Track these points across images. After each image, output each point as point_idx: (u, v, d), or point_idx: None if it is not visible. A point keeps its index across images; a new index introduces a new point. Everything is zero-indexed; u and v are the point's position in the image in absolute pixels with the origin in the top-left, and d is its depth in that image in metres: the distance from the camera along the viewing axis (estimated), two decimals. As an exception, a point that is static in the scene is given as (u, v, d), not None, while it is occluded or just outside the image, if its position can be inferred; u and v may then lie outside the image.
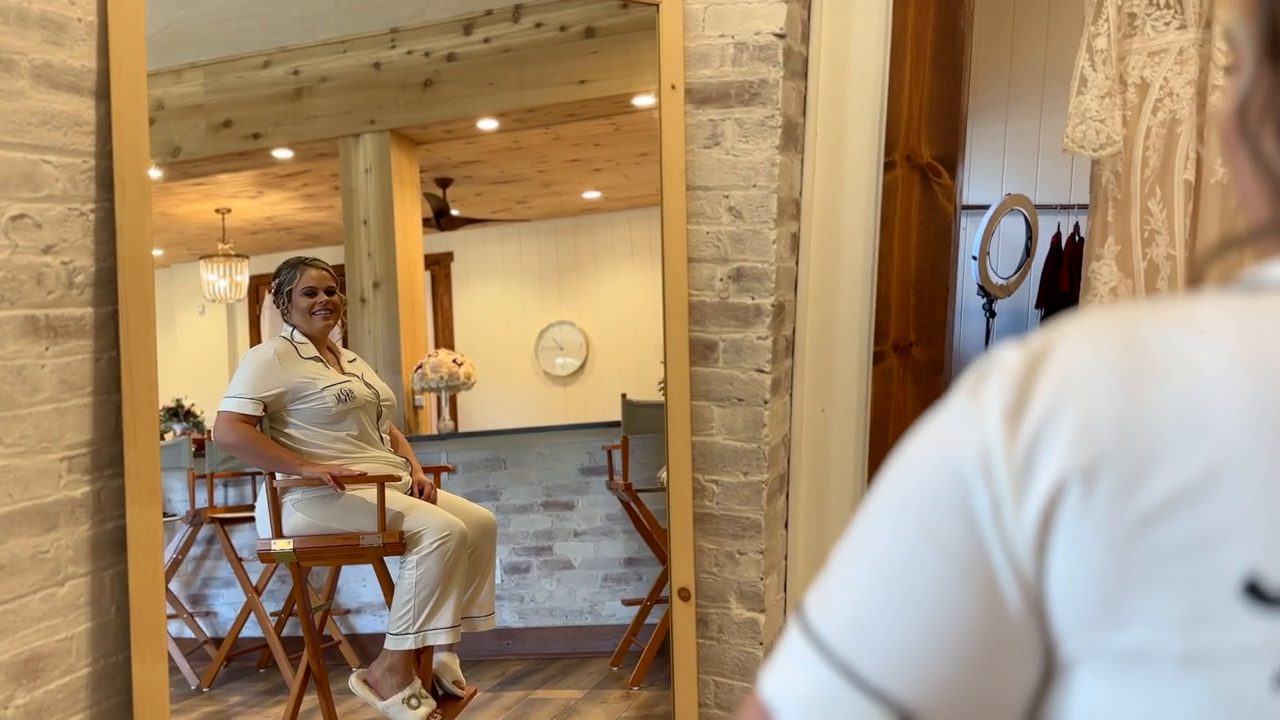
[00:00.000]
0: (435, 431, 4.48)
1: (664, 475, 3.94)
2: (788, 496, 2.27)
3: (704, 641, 2.22)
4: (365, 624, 4.50)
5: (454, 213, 6.73)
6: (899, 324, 2.21)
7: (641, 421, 3.86)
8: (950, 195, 2.17)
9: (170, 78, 4.98)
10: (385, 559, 3.03)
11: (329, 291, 3.13)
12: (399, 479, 3.05)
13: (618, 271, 8.03)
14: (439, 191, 6.53)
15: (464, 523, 2.97)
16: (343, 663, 4.34)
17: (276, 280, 3.14)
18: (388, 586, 3.03)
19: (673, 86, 2.10)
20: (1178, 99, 2.10)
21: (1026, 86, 4.81)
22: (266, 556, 3.00)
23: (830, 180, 2.20)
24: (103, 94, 1.79)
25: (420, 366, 4.50)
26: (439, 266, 7.20)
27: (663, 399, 4.15)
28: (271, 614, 4.30)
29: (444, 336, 6.26)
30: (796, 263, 2.23)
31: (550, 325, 8.14)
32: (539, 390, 8.04)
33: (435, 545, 2.88)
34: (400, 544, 2.91)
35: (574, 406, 7.83)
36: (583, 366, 8.05)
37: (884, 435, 2.22)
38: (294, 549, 2.94)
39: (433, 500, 3.12)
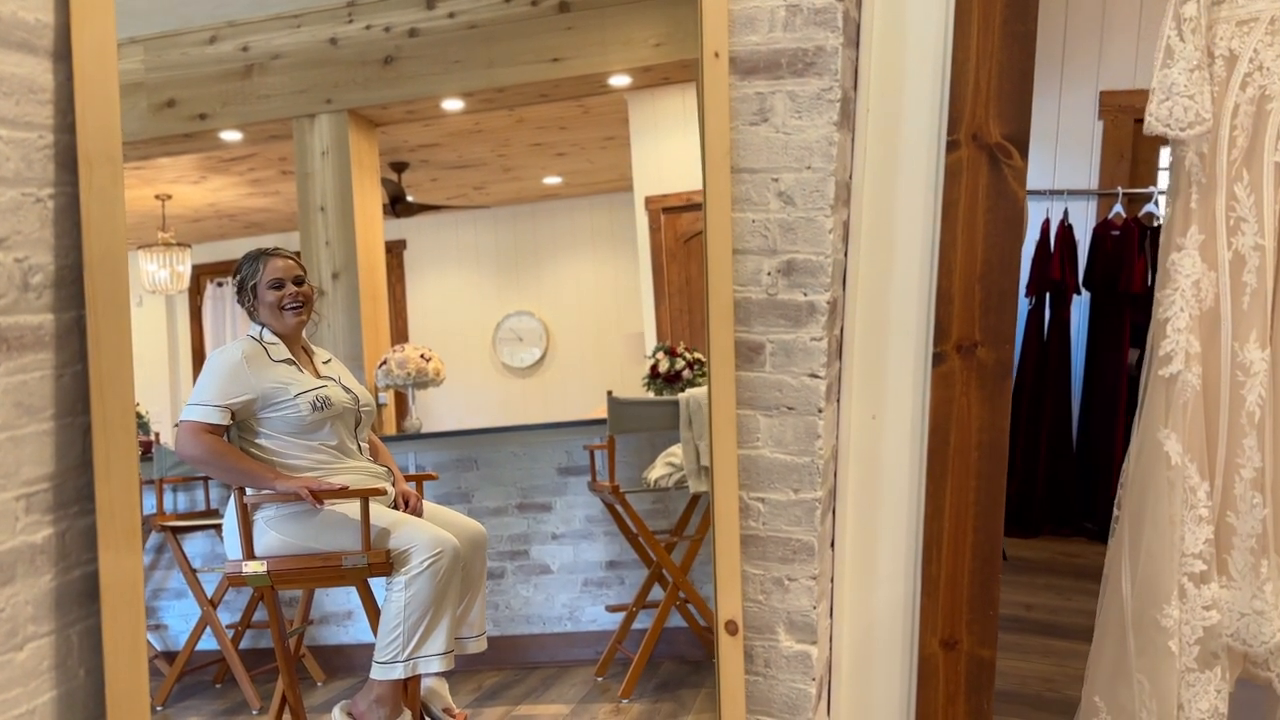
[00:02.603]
0: (400, 431, 4.16)
1: (650, 476, 3.69)
2: (834, 514, 2.03)
3: (749, 678, 1.98)
4: (330, 635, 4.18)
5: (409, 199, 6.37)
6: (963, 322, 1.99)
7: (629, 420, 3.60)
8: (1021, 179, 1.95)
9: (106, 53, 4.57)
10: (370, 580, 2.73)
11: (297, 282, 2.80)
12: (383, 492, 2.75)
13: (578, 260, 7.72)
14: (394, 176, 6.17)
15: (455, 537, 2.68)
16: (306, 676, 4.02)
17: (238, 276, 2.81)
18: (373, 610, 2.73)
19: (716, 54, 1.84)
20: (1268, 73, 1.91)
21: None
22: (237, 580, 2.67)
23: (885, 162, 1.96)
24: (62, 54, 1.46)
25: (384, 362, 4.18)
26: (391, 255, 6.81)
27: (651, 395, 3.91)
28: (228, 626, 3.96)
29: (396, 328, 5.89)
30: (845, 254, 1.99)
31: (509, 315, 7.79)
32: (498, 384, 7.71)
33: (426, 564, 2.59)
34: (387, 564, 2.61)
35: (534, 400, 7.53)
36: (543, 358, 7.74)
37: (944, 445, 2.00)
38: (268, 571, 2.63)
39: (418, 513, 2.83)
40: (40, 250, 1.45)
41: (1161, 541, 1.97)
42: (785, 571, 1.95)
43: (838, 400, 2.01)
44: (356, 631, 4.15)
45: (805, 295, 1.92)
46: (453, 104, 4.48)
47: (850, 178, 1.96)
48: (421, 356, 4.23)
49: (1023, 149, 1.93)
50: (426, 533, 2.63)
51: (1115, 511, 2.08)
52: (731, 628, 1.86)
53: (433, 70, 4.35)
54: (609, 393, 3.55)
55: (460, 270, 7.72)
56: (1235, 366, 1.93)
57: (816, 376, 1.94)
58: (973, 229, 1.96)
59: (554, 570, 4.11)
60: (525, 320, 7.68)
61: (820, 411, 1.95)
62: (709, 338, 1.87)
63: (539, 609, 4.10)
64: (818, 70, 1.85)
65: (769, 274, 1.92)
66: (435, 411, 4.39)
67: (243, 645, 4.13)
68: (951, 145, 1.94)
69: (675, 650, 3.87)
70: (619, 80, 4.35)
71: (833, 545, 2.03)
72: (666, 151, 5.03)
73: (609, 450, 3.53)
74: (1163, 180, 4.85)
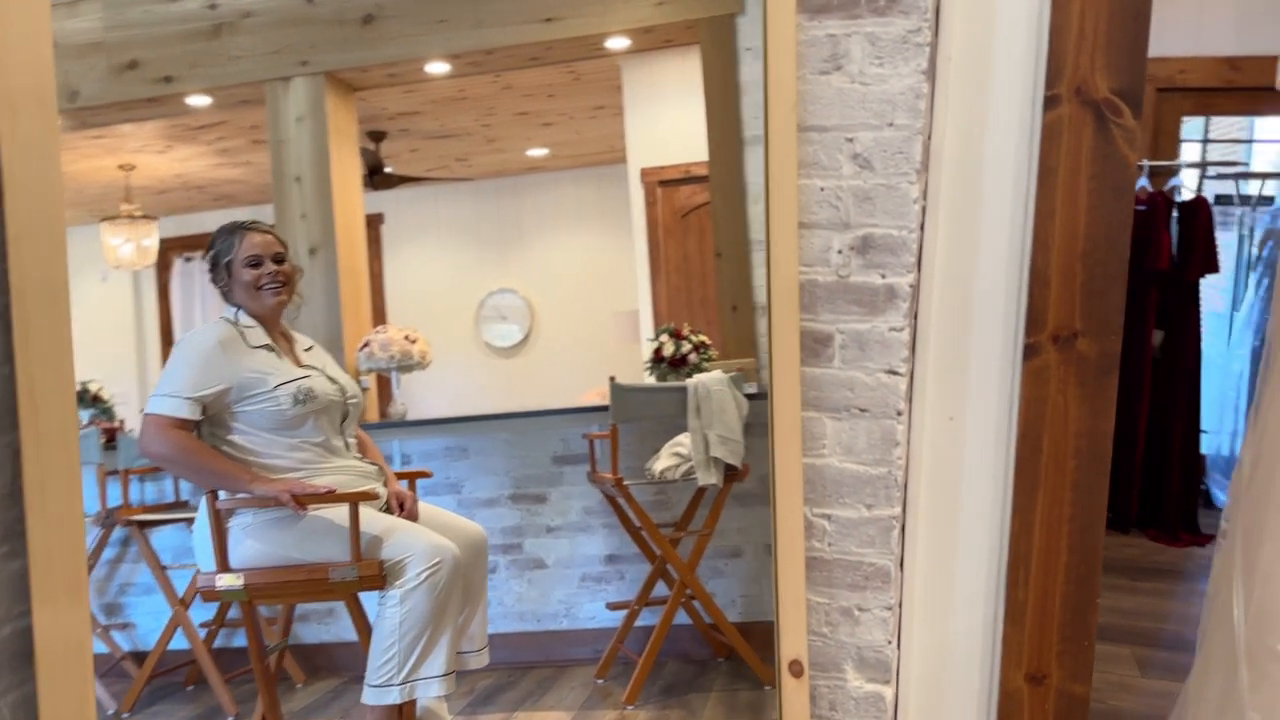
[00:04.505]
0: (384, 418, 3.81)
1: (656, 467, 3.39)
2: (903, 529, 1.73)
3: (812, 720, 1.69)
4: (310, 633, 3.86)
5: (388, 170, 5.97)
6: (1061, 308, 1.69)
7: (633, 407, 3.28)
8: (1133, 141, 1.64)
9: (64, 10, 4.14)
10: (361, 594, 2.40)
11: (278, 259, 2.44)
12: (375, 495, 2.42)
13: (564, 235, 7.33)
14: (371, 146, 5.76)
15: (454, 543, 2.35)
16: (285, 677, 3.69)
17: (212, 252, 2.44)
18: (364, 628, 2.40)
19: (781, -10, 1.51)
20: None
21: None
22: (211, 595, 2.33)
23: (971, 120, 1.65)
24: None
25: (367, 344, 3.83)
26: (369, 229, 6.36)
27: (654, 382, 3.60)
28: (200, 625, 3.63)
29: (374, 307, 5.47)
30: (921, 227, 1.67)
31: (492, 293, 7.40)
32: (481, 364, 7.35)
33: (424, 576, 2.26)
34: (380, 576, 2.28)
35: (520, 382, 7.17)
36: (527, 337, 7.38)
37: (1036, 452, 1.70)
38: (245, 585, 2.29)
39: (414, 517, 2.50)
40: (-50, 220, 1.10)
41: (1281, 561, 1.69)
42: (856, 600, 1.65)
43: (909, 398, 1.70)
44: (339, 629, 3.83)
45: (884, 277, 1.60)
46: (438, 67, 4.09)
47: (929, 137, 1.64)
48: (406, 338, 3.88)
49: (1136, 106, 1.62)
50: (424, 540, 2.29)
51: (1223, 525, 1.80)
52: (796, 668, 1.56)
53: (416, 30, 3.96)
54: (611, 379, 3.22)
55: (441, 246, 7.32)
56: (1372, 361, 1.65)
57: (895, 373, 1.63)
58: (1074, 199, 1.65)
59: (549, 565, 3.81)
60: (509, 298, 7.30)
61: (900, 414, 1.64)
62: (771, 326, 1.55)
63: (533, 605, 3.80)
64: (903, 8, 1.53)
65: (840, 252, 1.61)
66: (416, 395, 4.03)
67: (216, 644, 3.80)
68: (1051, 101, 1.63)
69: (679, 648, 3.59)
70: (617, 43, 3.99)
71: (901, 566, 1.72)
72: (663, 121, 4.68)
73: (611, 439, 3.21)
74: (1186, 152, 4.61)
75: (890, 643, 1.64)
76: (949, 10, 1.61)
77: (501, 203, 7.16)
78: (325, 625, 3.84)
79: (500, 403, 6.70)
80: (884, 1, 1.53)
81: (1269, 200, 4.30)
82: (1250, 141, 4.89)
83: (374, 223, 7.06)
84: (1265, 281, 3.85)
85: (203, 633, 3.58)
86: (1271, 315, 1.71)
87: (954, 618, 1.75)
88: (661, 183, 4.62)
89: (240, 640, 3.94)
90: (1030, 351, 1.67)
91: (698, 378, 3.23)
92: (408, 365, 3.88)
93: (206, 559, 2.31)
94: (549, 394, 6.39)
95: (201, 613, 3.61)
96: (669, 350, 3.44)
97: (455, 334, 6.94)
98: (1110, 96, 1.61)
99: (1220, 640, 1.78)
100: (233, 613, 3.64)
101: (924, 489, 1.73)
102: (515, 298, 7.02)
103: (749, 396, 3.21)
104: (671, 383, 3.30)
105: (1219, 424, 4.32)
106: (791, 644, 1.54)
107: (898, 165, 1.58)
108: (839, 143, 1.58)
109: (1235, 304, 4.62)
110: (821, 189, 1.59)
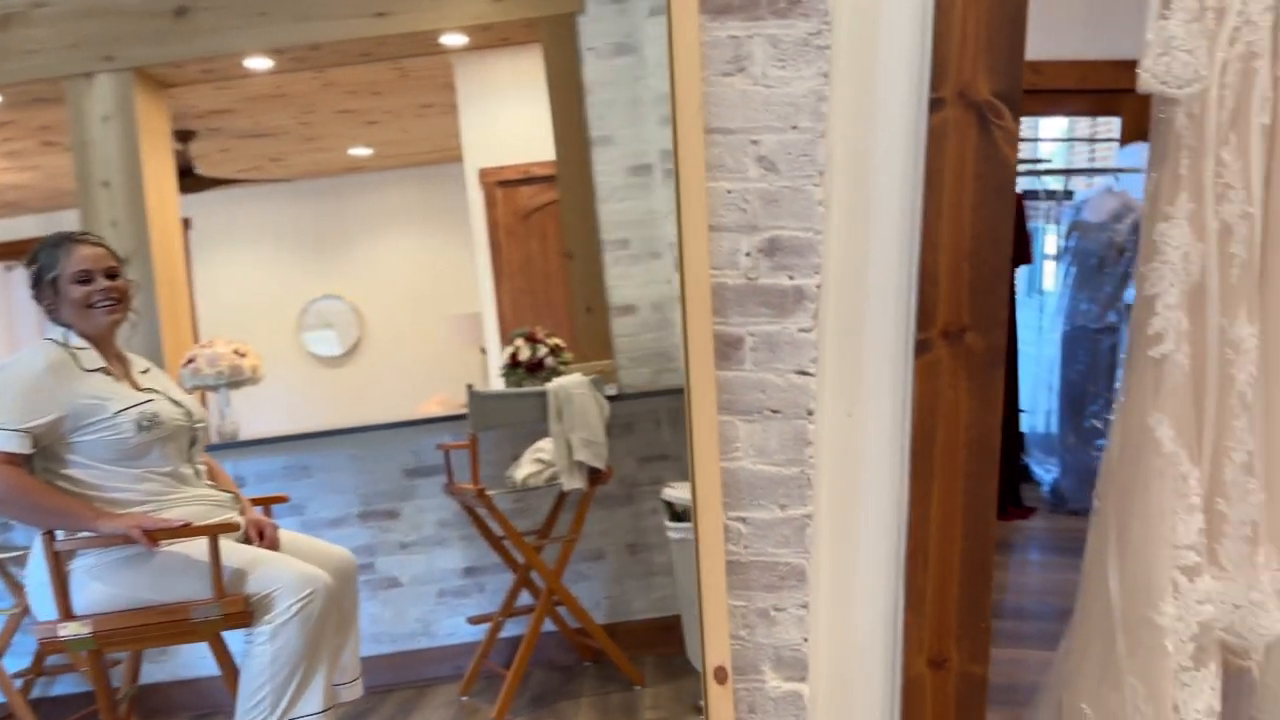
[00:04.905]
0: (222, 439, 3.56)
1: (518, 475, 3.29)
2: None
3: (732, 726, 1.67)
4: (145, 672, 3.55)
5: (197, 171, 5.58)
6: (950, 304, 1.73)
7: (492, 415, 3.19)
8: (1013, 142, 1.70)
9: None
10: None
11: (110, 275, 2.21)
12: (235, 526, 2.24)
13: (392, 237, 7.02)
14: (179, 146, 5.36)
15: (324, 571, 2.20)
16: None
17: (34, 266, 2.19)
18: (230, 670, 2.21)
19: (684, -10, 1.47)
20: (1256, 28, 1.75)
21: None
22: (52, 646, 2.09)
23: (859, 122, 1.67)
24: None
25: (192, 360, 3.55)
26: (176, 235, 5.89)
27: (510, 388, 3.50)
28: (15, 675, 3.28)
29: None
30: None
31: (315, 300, 7.02)
32: (307, 376, 6.95)
33: (295, 610, 2.10)
34: (246, 613, 2.11)
35: (350, 393, 6.83)
36: (356, 345, 7.05)
37: (929, 444, 1.74)
38: (92, 633, 2.07)
39: (275, 545, 2.33)
40: None
41: (1153, 534, 1.80)
42: (772, 601, 1.64)
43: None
44: (175, 666, 3.54)
45: (792, 279, 1.60)
46: (258, 63, 3.84)
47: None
48: (236, 352, 3.62)
49: (1015, 108, 1.68)
50: (292, 571, 2.13)
51: (1095, 503, 1.90)
52: (720, 675, 1.53)
53: (234, 23, 3.70)
54: (469, 387, 3.12)
55: (256, 251, 6.88)
56: (1224, 344, 1.78)
57: (806, 373, 1.63)
58: (960, 199, 1.70)
59: (404, 582, 3.65)
60: (334, 304, 6.95)
61: (810, 414, 1.64)
62: (686, 331, 1.52)
63: (388, 626, 3.63)
64: (804, 9, 1.52)
65: (748, 254, 1.59)
66: (242, 413, 3.78)
67: (34, 694, 3.45)
68: (936, 104, 1.67)
69: (544, 656, 3.51)
70: (453, 39, 3.85)
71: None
72: (501, 121, 4.57)
73: (471, 449, 3.10)
74: (1045, 150, 4.90)
75: (806, 640, 1.65)
76: (838, 14, 1.62)
77: (322, 204, 6.81)
78: (159, 664, 3.54)
79: (333, 415, 6.39)
80: (785, 3, 1.52)
81: (1069, 195, 4.64)
82: (1036, 140, 5.24)
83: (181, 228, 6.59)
84: (1073, 270, 4.15)
85: (18, 683, 3.24)
86: (1136, 295, 1.82)
87: (858, 610, 1.77)
88: (501, 183, 4.52)
89: (62, 688, 3.59)
90: (922, 347, 1.71)
91: (557, 382, 3.16)
92: (238, 381, 3.63)
93: (45, 606, 2.07)
94: (383, 403, 6.14)
95: (15, 660, 3.26)
96: (525, 354, 3.36)
97: (277, 345, 6.55)
98: (991, 99, 1.67)
99: (1097, 611, 1.88)
100: (53, 658, 3.31)
101: (825, 485, 1.74)
102: (341, 304, 6.70)
103: (610, 398, 3.18)
104: (530, 388, 3.22)
105: (1034, 404, 4.63)
106: (716, 651, 1.51)
107: (802, 168, 1.58)
108: (744, 145, 1.57)
109: (1030, 290, 4.98)
110: (729, 192, 1.57)
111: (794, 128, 1.56)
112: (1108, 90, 4.29)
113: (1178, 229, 1.76)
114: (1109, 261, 4.02)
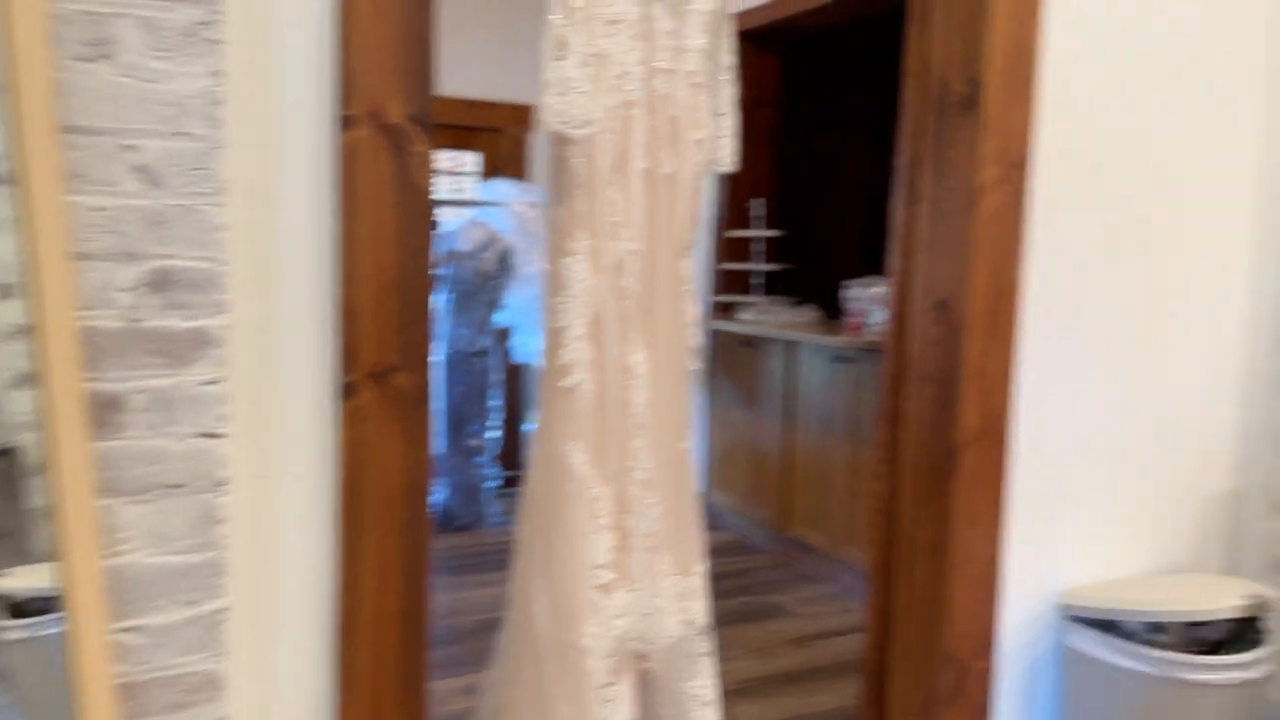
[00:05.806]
0: None
1: None
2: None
3: None
4: None
5: None
6: (376, 342, 1.53)
7: None
8: (427, 167, 1.56)
9: None
10: None
11: None
12: None
13: None
14: None
15: None
16: None
17: None
18: None
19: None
20: (632, 78, 1.83)
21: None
22: None
23: (261, 130, 1.40)
24: None
25: None
26: None
27: None
28: None
29: None
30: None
31: None
32: None
33: None
34: None
35: None
36: None
37: (359, 497, 1.53)
38: None
39: None
40: None
41: (574, 558, 1.81)
42: (183, 720, 1.30)
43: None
44: None
45: (190, 320, 1.27)
46: None
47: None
48: None
49: (429, 132, 1.55)
50: None
51: (519, 531, 1.86)
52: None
53: None
54: None
55: None
56: (621, 371, 1.85)
57: (214, 435, 1.32)
58: (380, 228, 1.52)
59: None
60: None
61: (221, 485, 1.33)
62: (46, 394, 1.13)
63: None
64: (189, -11, 1.22)
65: (128, 291, 1.23)
66: None
67: None
68: (348, 121, 1.48)
69: None
70: None
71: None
72: None
73: None
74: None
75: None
76: (233, 6, 1.35)
77: None
78: None
79: None
80: (161, -21, 1.21)
81: (434, 225, 4.73)
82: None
83: None
84: (451, 296, 4.22)
85: None
86: (546, 338, 1.82)
87: (283, 703, 1.51)
88: None
89: None
90: (348, 391, 1.51)
91: None
92: None
93: None
94: None
95: None
96: None
97: None
98: (404, 123, 1.52)
99: (524, 639, 1.85)
100: None
101: (243, 568, 1.45)
102: None
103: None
104: None
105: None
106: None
107: (196, 183, 1.27)
108: (116, 151, 1.22)
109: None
110: (98, 210, 1.21)
111: (184, 134, 1.25)
112: (466, 127, 4.47)
113: (580, 264, 1.80)
114: (479, 288, 4.16)
